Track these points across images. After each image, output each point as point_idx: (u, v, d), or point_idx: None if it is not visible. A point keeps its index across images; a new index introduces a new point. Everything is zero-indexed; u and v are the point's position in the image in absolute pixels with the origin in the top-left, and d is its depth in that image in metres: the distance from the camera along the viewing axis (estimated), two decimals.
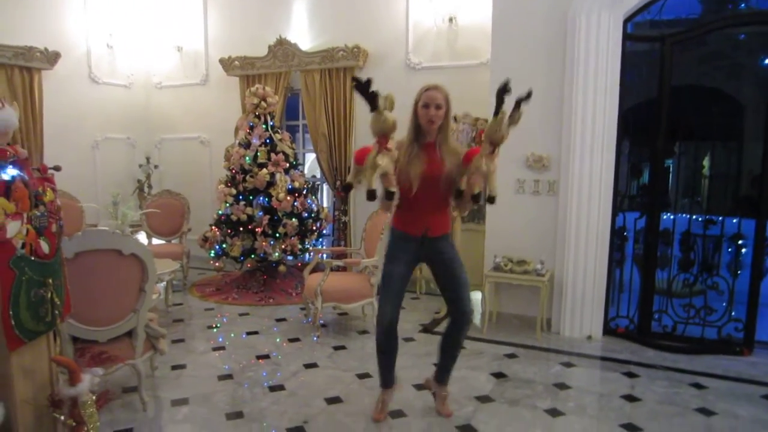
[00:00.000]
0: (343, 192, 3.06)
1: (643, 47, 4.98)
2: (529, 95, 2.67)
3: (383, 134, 2.75)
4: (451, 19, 6.24)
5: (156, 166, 7.86)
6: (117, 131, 7.70)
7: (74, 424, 2.03)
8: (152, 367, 3.92)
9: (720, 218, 4.85)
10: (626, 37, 4.66)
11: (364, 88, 2.68)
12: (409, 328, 5.08)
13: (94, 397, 2.09)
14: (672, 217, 4.99)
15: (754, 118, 6.31)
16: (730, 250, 4.90)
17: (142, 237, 6.71)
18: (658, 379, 4.03)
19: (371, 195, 2.76)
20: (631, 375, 4.09)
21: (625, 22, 4.65)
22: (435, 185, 2.97)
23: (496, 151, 2.75)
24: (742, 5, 6.06)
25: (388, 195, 2.85)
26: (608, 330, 4.92)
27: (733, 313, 4.65)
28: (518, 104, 2.67)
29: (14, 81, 6.27)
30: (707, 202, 5.25)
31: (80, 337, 3.10)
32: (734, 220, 4.87)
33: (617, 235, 4.95)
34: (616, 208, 4.87)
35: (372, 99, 2.69)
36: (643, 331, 4.82)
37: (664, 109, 4.63)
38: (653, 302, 4.82)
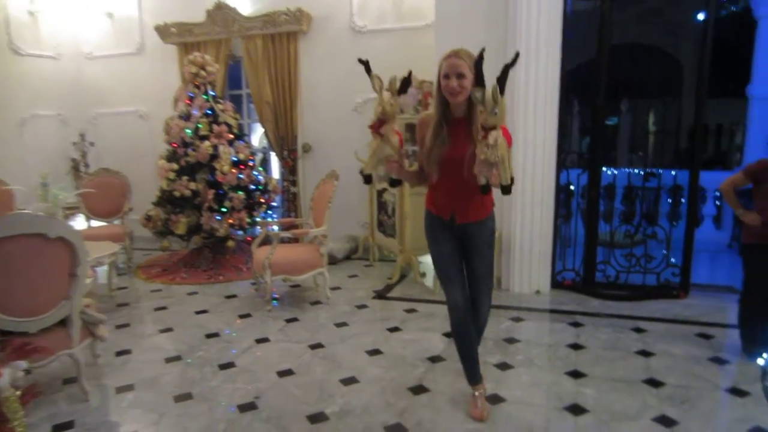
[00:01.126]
0: (365, 183, 2.92)
1: (584, 6, 5.00)
2: (516, 58, 2.38)
3: (378, 119, 2.63)
4: None
5: (92, 143, 7.43)
6: (46, 107, 7.23)
7: None
8: (94, 355, 3.75)
9: (660, 171, 5.00)
10: None
11: (365, 67, 2.66)
12: (362, 295, 5.08)
13: (18, 392, 1.98)
14: (615, 171, 5.11)
15: (691, 73, 6.49)
16: (669, 201, 5.07)
17: (80, 219, 6.43)
18: (602, 326, 4.18)
19: (367, 179, 2.79)
20: (576, 325, 4.22)
21: None
22: (459, 169, 2.58)
23: (493, 135, 2.29)
24: None
25: (392, 183, 2.73)
26: (556, 283, 5.04)
27: (672, 260, 4.83)
28: (505, 71, 2.32)
29: None
30: (652, 157, 5.41)
31: (8, 329, 2.93)
32: (673, 173, 5.03)
33: (562, 191, 5.03)
34: (561, 166, 4.92)
35: (369, 74, 2.64)
36: (588, 283, 4.96)
37: (603, 68, 4.69)
38: (597, 254, 4.95)
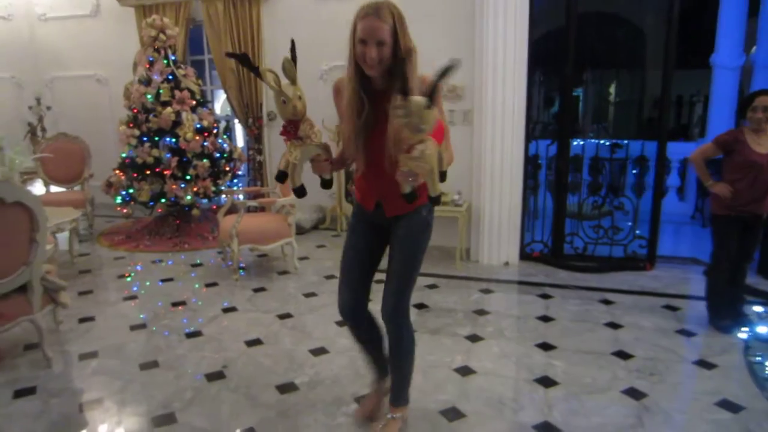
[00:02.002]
0: (278, 181, 2.27)
1: None
2: (451, 67, 1.78)
3: (288, 121, 2.12)
4: None
5: (48, 108, 7.14)
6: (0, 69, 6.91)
7: None
8: (56, 321, 3.66)
9: (625, 142, 5.05)
10: None
11: (244, 64, 2.10)
12: (330, 266, 5.04)
13: None
14: (582, 143, 5.14)
15: (655, 44, 6.51)
16: (634, 172, 5.14)
17: (38, 185, 6.21)
18: (571, 298, 4.24)
19: (299, 191, 2.19)
20: (545, 296, 4.27)
21: None
22: (384, 152, 2.03)
23: (418, 149, 1.83)
24: None
25: (326, 184, 2.24)
26: (524, 255, 5.09)
27: (638, 231, 4.93)
28: (437, 81, 1.79)
29: None
30: (613, 128, 5.46)
31: None
32: (638, 143, 5.10)
33: (530, 163, 5.05)
34: (529, 137, 4.93)
35: (256, 71, 2.08)
36: (556, 254, 5.03)
37: (571, 37, 4.67)
38: (565, 226, 5.01)
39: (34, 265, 3.00)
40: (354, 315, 2.48)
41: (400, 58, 1.94)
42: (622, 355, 3.33)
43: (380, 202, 2.28)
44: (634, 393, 2.90)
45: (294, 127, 2.10)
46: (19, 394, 2.94)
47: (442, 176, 1.99)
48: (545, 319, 3.86)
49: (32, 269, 3.01)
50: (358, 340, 2.61)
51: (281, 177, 2.20)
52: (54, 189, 6.19)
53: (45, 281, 3.12)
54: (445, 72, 1.78)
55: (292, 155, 2.11)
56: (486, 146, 4.83)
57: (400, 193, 2.00)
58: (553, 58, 4.83)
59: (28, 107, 7.05)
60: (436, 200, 2.03)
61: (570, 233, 5.05)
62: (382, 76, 2.06)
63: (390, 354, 2.49)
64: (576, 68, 4.86)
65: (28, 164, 5.60)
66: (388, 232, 2.37)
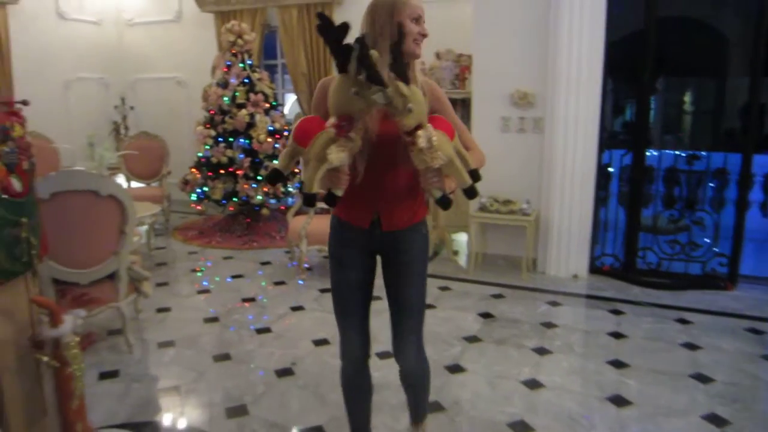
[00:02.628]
0: (268, 183, 2.04)
1: None
2: (401, 32, 1.68)
3: (348, 115, 1.72)
4: None
5: (132, 107, 7.56)
6: (89, 70, 7.34)
7: (58, 365, 1.97)
8: (137, 310, 3.86)
9: (704, 153, 4.83)
10: None
11: (333, 34, 1.60)
12: None
13: (77, 339, 2.02)
14: (656, 153, 4.94)
15: (739, 51, 6.20)
16: (712, 185, 4.91)
17: (120, 180, 6.54)
18: (644, 315, 4.08)
19: (309, 200, 1.79)
20: (617, 312, 4.14)
21: None
22: (391, 149, 1.84)
23: (423, 136, 1.68)
24: None
25: (330, 199, 1.80)
26: (594, 268, 4.95)
27: (717, 249, 4.70)
28: (397, 53, 1.65)
29: None
30: (689, 138, 5.22)
31: (61, 279, 3.02)
32: (719, 155, 4.86)
33: (602, 173, 4.91)
34: (602, 146, 4.81)
35: (343, 54, 1.63)
36: (628, 269, 4.86)
37: (650, 43, 4.51)
38: (638, 240, 4.85)
39: (122, 255, 3.18)
40: (364, 360, 2.20)
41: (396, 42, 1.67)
42: (702, 378, 3.17)
43: (377, 216, 2.00)
44: (715, 419, 2.76)
45: (350, 124, 1.74)
46: (103, 376, 3.13)
47: (474, 175, 1.83)
48: (617, 335, 3.74)
49: (120, 259, 3.19)
50: (360, 389, 2.28)
51: (276, 177, 1.91)
52: (134, 184, 6.52)
53: (131, 271, 3.30)
54: (399, 38, 1.66)
55: (337, 156, 1.71)
56: (557, 155, 4.73)
57: (404, 191, 1.94)
58: (628, 65, 4.66)
59: (113, 106, 7.51)
60: (471, 192, 1.82)
61: (643, 248, 4.87)
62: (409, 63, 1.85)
63: (415, 391, 2.30)
64: (653, 75, 4.68)
65: (114, 160, 5.96)
66: (379, 256, 2.10)
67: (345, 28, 1.58)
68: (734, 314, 4.10)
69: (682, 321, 3.98)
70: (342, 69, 1.66)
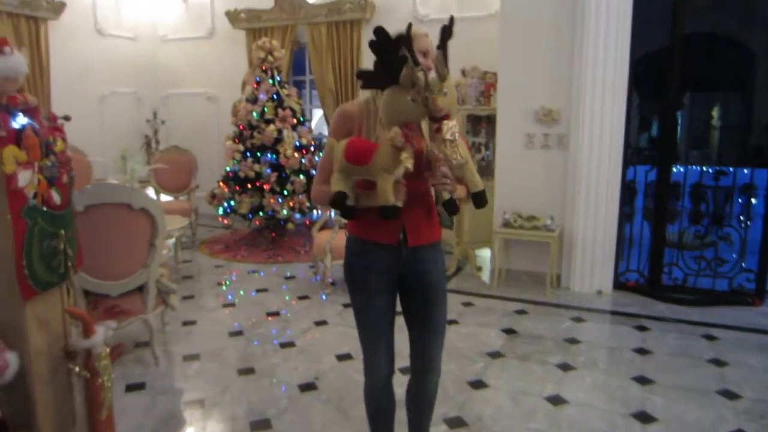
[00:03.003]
0: (333, 207, 1.91)
1: None
2: (452, 21, 1.75)
3: (409, 122, 1.78)
4: None
5: (163, 122, 7.77)
6: (124, 85, 7.56)
7: (88, 375, 2.04)
8: (163, 322, 3.95)
9: (731, 169, 4.78)
10: None
11: (389, 47, 1.71)
12: None
13: (108, 350, 2.09)
14: (682, 169, 4.90)
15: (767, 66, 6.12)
16: (740, 200, 4.84)
17: (150, 193, 6.69)
18: (670, 331, 4.03)
19: (351, 212, 1.92)
20: (642, 328, 4.09)
21: None
22: (417, 167, 1.85)
23: (448, 126, 1.74)
24: None
25: (390, 212, 1.79)
26: (618, 284, 4.91)
27: (743, 264, 4.63)
28: (445, 38, 1.74)
29: (20, 30, 6.14)
30: (717, 154, 5.17)
31: (92, 290, 3.11)
32: (745, 171, 4.81)
33: (627, 189, 4.89)
34: (627, 162, 4.78)
35: (395, 66, 1.71)
36: (653, 285, 4.80)
37: (675, 59, 4.50)
38: (664, 255, 4.79)
39: (151, 268, 3.27)
40: (389, 377, 2.19)
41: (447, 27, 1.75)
42: (729, 394, 3.12)
43: (404, 232, 2.01)
44: None
45: (413, 132, 1.77)
46: (129, 388, 3.20)
47: (481, 198, 1.87)
48: (642, 351, 3.70)
49: (150, 271, 3.27)
50: (384, 406, 2.27)
51: (341, 199, 1.89)
52: (163, 197, 6.66)
53: (159, 284, 3.38)
54: (450, 24, 1.72)
55: (411, 163, 1.76)
56: (581, 171, 4.72)
57: (426, 209, 1.98)
58: (653, 81, 4.66)
59: (145, 120, 7.71)
60: (479, 199, 1.85)
61: (668, 263, 4.81)
62: None
63: (417, 403, 2.29)
64: (679, 91, 4.66)
65: (144, 174, 6.10)
66: (404, 277, 2.09)
67: (403, 39, 1.68)
68: (762, 330, 4.04)
69: (709, 337, 3.92)
70: (393, 81, 1.73)
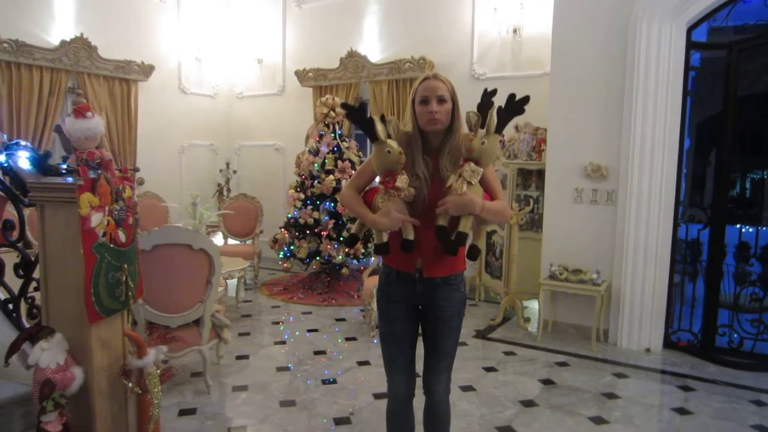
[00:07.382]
0: (347, 246, 2.45)
1: (709, 55, 4.86)
2: (524, 100, 2.14)
3: (388, 171, 2.14)
4: (515, 30, 6.33)
5: (234, 171, 8.41)
6: (201, 138, 8.31)
7: (140, 391, 2.33)
8: (218, 355, 4.27)
9: None
10: (690, 45, 4.58)
11: (356, 114, 2.18)
12: (464, 333, 5.14)
13: (158, 371, 2.39)
14: (750, 229, 4.82)
15: None
16: None
17: (218, 237, 7.22)
18: (716, 394, 3.92)
19: (383, 248, 2.25)
20: (687, 389, 4.01)
21: (689, 29, 4.57)
22: (414, 205, 2.20)
23: (470, 166, 2.11)
24: None
25: (406, 245, 2.15)
26: (669, 343, 4.81)
27: None
28: (487, 102, 2.12)
29: (114, 91, 6.97)
30: None
31: (154, 322, 3.47)
32: None
33: (686, 247, 4.83)
34: (678, 220, 4.76)
35: (368, 127, 2.11)
36: (706, 346, 4.67)
37: (729, 120, 4.52)
38: (717, 316, 4.67)
39: (207, 303, 3.60)
40: (409, 397, 2.45)
41: (489, 92, 2.13)
42: None
43: (420, 264, 2.26)
44: None
45: (393, 179, 2.13)
46: (182, 413, 3.50)
47: (474, 252, 2.23)
48: (682, 411, 3.63)
49: (206, 306, 3.61)
50: (403, 424, 2.52)
51: (353, 240, 2.39)
52: (230, 241, 7.16)
53: (214, 318, 3.71)
54: (523, 100, 2.14)
55: (395, 204, 2.14)
56: (630, 227, 4.74)
57: (441, 257, 2.23)
58: (708, 142, 4.68)
59: (219, 170, 8.37)
60: (472, 252, 2.22)
61: (723, 325, 4.67)
62: (438, 135, 2.23)
63: (439, 426, 2.51)
64: (738, 150, 4.66)
65: (213, 219, 6.62)
66: (422, 307, 2.36)
67: (363, 106, 2.28)
68: None
69: (758, 402, 3.78)
70: (374, 139, 2.15)
